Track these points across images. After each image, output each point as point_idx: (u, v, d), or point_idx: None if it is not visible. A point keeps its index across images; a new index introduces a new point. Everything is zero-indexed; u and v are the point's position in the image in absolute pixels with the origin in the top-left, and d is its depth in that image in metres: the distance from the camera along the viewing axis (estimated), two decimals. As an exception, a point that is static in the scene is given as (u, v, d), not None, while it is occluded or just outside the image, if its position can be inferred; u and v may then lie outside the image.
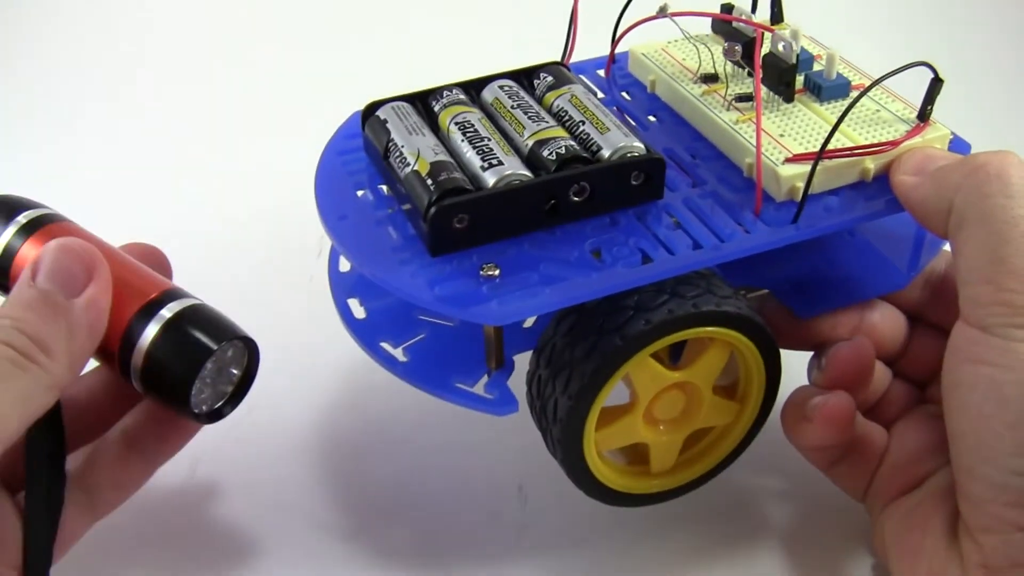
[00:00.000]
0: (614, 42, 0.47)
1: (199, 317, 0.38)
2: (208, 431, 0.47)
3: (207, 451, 0.48)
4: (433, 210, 0.37)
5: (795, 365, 0.44)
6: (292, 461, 0.48)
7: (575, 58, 0.47)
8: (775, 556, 0.44)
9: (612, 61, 0.48)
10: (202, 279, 0.43)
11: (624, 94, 0.47)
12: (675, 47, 0.47)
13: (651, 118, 0.45)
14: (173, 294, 0.39)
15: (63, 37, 0.82)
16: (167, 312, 0.38)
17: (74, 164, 0.68)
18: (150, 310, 0.38)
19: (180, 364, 0.38)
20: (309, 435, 0.50)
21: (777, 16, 0.48)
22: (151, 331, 0.38)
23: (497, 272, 0.37)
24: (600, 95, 0.47)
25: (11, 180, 0.53)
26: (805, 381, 0.43)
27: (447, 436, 0.48)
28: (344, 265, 0.45)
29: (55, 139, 0.71)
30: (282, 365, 0.47)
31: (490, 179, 0.38)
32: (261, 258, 0.60)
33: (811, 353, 0.44)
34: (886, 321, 0.44)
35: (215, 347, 0.38)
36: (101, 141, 0.71)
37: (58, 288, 0.36)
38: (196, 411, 0.39)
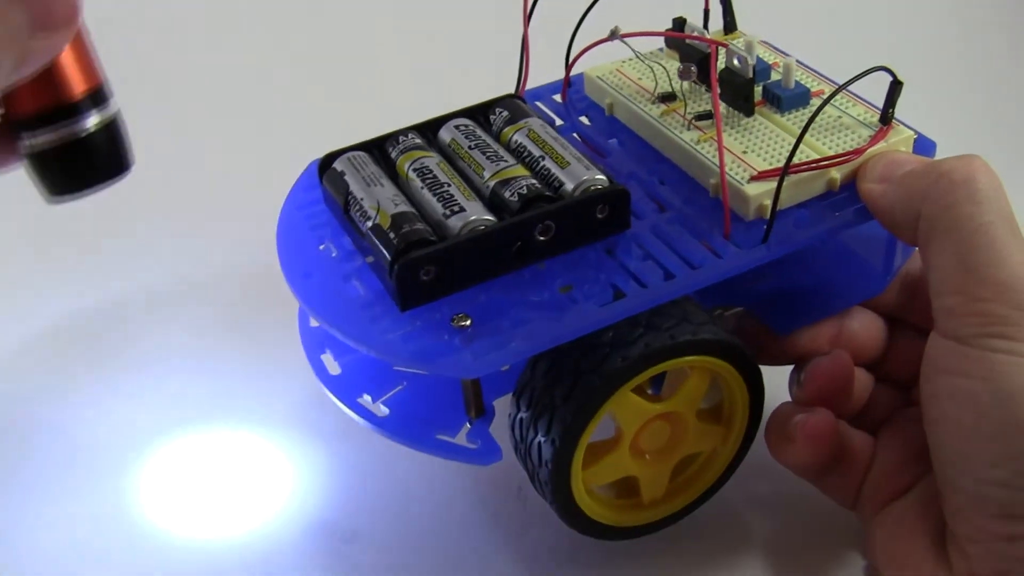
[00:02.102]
0: (568, 66, 0.46)
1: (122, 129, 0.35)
2: (208, 430, 0.49)
3: (207, 451, 0.49)
4: (398, 265, 0.36)
5: (780, 379, 0.44)
6: (290, 459, 0.49)
7: (531, 84, 0.47)
8: (771, 561, 0.44)
9: (568, 85, 0.47)
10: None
11: (583, 118, 0.46)
12: (630, 67, 0.47)
13: (612, 141, 0.45)
14: (108, 90, 0.35)
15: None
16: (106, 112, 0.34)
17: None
18: (92, 99, 0.34)
19: (97, 165, 0.35)
20: (309, 436, 0.50)
21: (730, 25, 0.47)
22: (90, 122, 0.34)
23: (468, 322, 0.36)
24: (559, 122, 0.46)
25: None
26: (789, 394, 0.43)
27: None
28: (315, 319, 0.44)
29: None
30: (283, 365, 0.47)
31: (453, 227, 0.37)
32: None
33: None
34: (865, 328, 0.43)
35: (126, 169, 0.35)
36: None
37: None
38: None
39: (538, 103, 0.47)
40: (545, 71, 0.48)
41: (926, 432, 0.37)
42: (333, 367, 0.42)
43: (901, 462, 0.41)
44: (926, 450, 0.37)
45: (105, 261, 0.62)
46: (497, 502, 0.46)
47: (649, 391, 0.42)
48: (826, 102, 0.39)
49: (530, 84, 0.47)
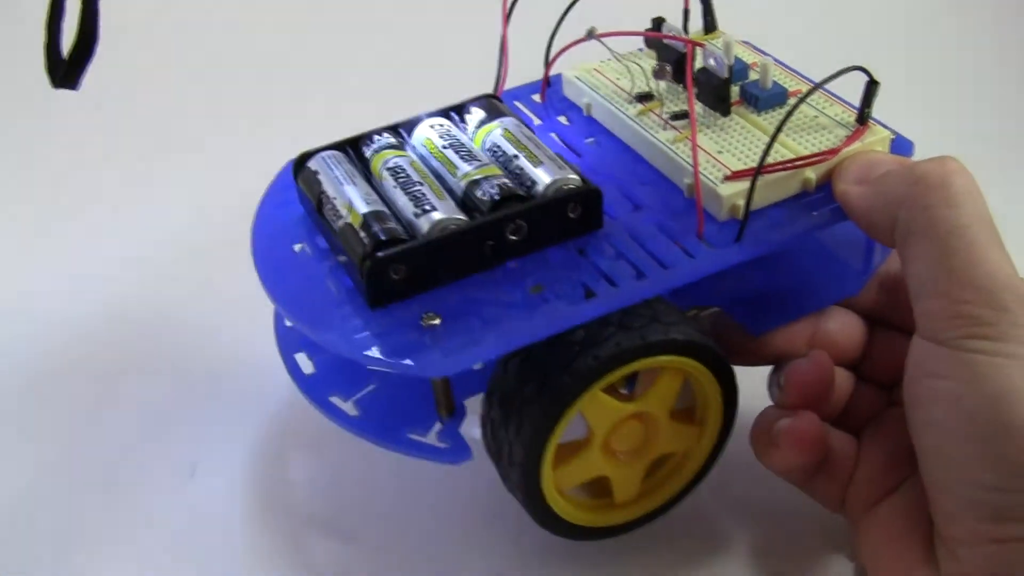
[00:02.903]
0: (547, 66, 0.46)
1: None
2: (207, 433, 0.50)
3: (207, 453, 0.49)
4: (368, 263, 0.36)
5: (757, 380, 0.43)
6: (291, 460, 0.49)
7: (510, 84, 0.47)
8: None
9: (547, 85, 0.47)
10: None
11: (562, 118, 0.46)
12: (608, 67, 0.47)
13: (589, 141, 0.45)
14: None
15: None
16: None
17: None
18: None
19: None
20: (308, 435, 0.50)
21: (711, 25, 0.47)
22: None
23: (438, 321, 0.36)
24: (537, 121, 0.46)
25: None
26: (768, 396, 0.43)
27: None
28: (287, 318, 0.44)
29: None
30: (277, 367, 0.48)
31: (424, 226, 0.37)
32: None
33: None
34: (843, 328, 0.43)
35: None
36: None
37: None
38: None
39: (517, 103, 0.47)
40: (527, 72, 0.48)
41: (911, 435, 0.36)
42: (307, 367, 0.42)
43: (886, 463, 0.41)
44: (911, 450, 0.37)
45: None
46: (495, 503, 0.46)
47: (623, 391, 0.42)
48: (800, 101, 0.39)
49: (513, 84, 0.47)
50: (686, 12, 0.46)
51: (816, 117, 0.42)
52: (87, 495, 0.48)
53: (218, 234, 0.62)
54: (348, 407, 0.41)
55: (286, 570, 0.44)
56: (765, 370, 0.43)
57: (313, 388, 0.41)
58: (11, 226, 0.66)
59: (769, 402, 0.42)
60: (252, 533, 0.46)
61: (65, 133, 0.73)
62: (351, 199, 0.38)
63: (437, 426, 0.39)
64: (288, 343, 0.43)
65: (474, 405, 0.40)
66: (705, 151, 0.41)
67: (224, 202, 0.63)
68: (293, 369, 0.42)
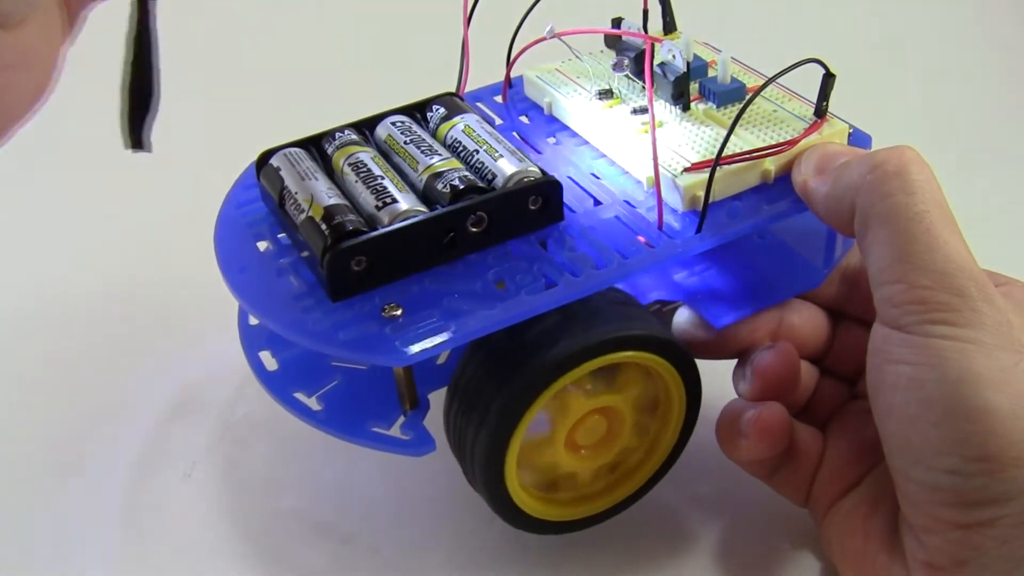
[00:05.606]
0: (508, 66, 0.47)
1: None
2: (205, 432, 0.49)
3: (204, 452, 0.49)
4: (328, 255, 0.36)
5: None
6: (289, 461, 0.49)
7: (472, 86, 0.47)
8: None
9: (508, 86, 0.48)
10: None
11: (523, 118, 0.47)
12: (569, 67, 0.47)
13: (551, 140, 0.45)
14: None
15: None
16: None
17: None
18: None
19: None
20: (306, 435, 0.48)
21: (670, 25, 0.48)
22: None
23: (400, 312, 0.36)
24: (499, 121, 0.46)
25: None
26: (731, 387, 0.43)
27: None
28: (254, 318, 0.44)
29: None
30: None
31: (385, 218, 0.37)
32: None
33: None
34: (806, 321, 0.43)
35: None
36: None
37: None
38: None
39: (479, 104, 0.47)
40: (489, 75, 0.49)
41: (876, 423, 0.36)
42: (271, 364, 0.42)
43: (850, 456, 0.41)
44: (875, 443, 0.37)
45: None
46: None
47: (587, 386, 0.42)
48: (758, 92, 0.39)
49: (475, 87, 0.48)
50: (645, 12, 0.46)
51: (775, 112, 0.42)
52: (84, 495, 0.47)
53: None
54: (312, 402, 0.41)
55: (283, 571, 0.44)
56: (730, 367, 0.44)
57: (277, 384, 0.41)
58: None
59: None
60: (248, 534, 0.45)
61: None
62: (313, 193, 0.38)
63: (400, 419, 0.39)
64: (252, 341, 0.43)
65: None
66: (665, 145, 0.41)
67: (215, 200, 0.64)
68: (256, 366, 0.42)
